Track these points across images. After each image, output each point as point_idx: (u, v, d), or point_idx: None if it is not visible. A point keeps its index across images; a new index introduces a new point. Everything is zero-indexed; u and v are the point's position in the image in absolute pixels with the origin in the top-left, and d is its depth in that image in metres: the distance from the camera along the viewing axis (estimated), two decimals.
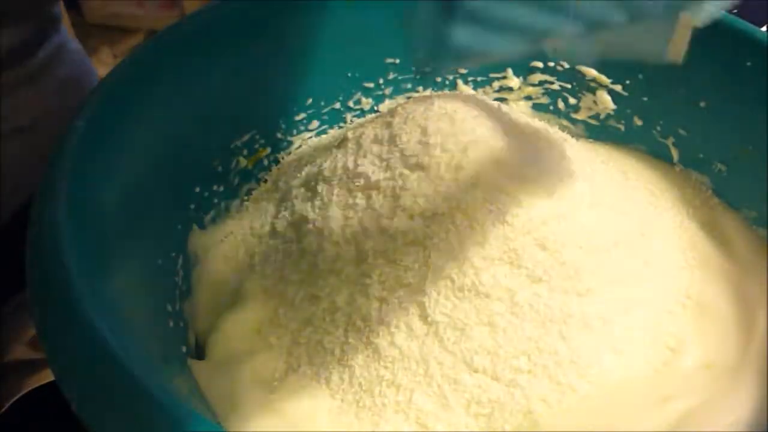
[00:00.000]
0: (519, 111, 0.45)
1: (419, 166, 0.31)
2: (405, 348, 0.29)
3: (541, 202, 0.31)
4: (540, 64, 0.45)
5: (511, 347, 0.29)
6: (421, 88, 0.46)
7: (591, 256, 0.31)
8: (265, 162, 0.42)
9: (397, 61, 0.44)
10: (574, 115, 0.46)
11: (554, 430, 0.29)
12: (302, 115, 0.43)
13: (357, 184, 0.33)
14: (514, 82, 0.46)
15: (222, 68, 0.37)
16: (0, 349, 0.37)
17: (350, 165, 0.34)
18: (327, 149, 0.39)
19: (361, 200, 0.32)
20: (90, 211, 0.26)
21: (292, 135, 0.43)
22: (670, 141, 0.43)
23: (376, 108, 0.45)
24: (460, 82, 0.46)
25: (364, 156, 0.34)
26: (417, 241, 0.30)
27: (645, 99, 0.43)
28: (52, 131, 0.29)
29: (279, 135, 0.42)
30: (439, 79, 0.46)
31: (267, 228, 0.37)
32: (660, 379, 0.31)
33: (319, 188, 0.35)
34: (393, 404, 0.29)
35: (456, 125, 0.32)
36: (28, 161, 0.43)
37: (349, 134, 0.36)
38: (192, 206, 0.36)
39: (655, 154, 0.44)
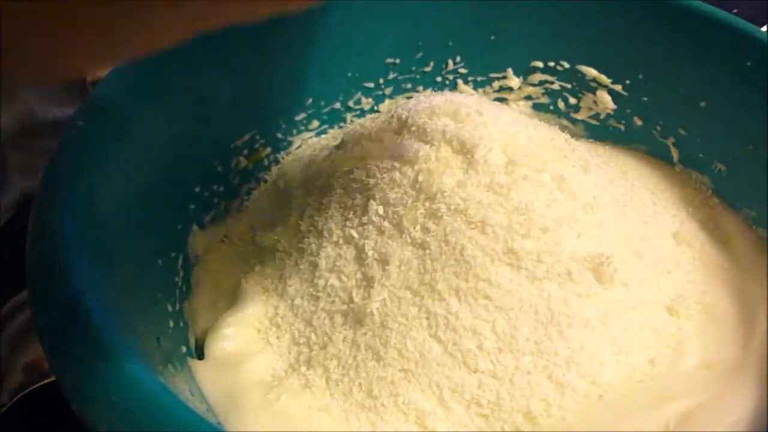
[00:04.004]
0: (519, 111, 0.45)
1: (418, 168, 0.31)
2: (405, 348, 0.29)
3: (541, 204, 0.31)
4: (540, 64, 0.45)
5: (511, 347, 0.29)
6: (421, 88, 0.46)
7: (590, 256, 0.31)
8: (265, 162, 0.42)
9: (397, 61, 0.44)
10: (574, 115, 0.46)
11: (554, 430, 0.29)
12: (302, 115, 0.43)
13: (356, 185, 0.33)
14: (514, 82, 0.46)
15: (222, 68, 0.37)
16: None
17: (350, 165, 0.34)
18: (327, 149, 0.39)
19: (360, 201, 0.32)
20: (90, 210, 0.26)
21: (292, 135, 0.43)
22: (670, 141, 0.43)
23: (376, 108, 0.45)
24: (460, 82, 0.46)
25: (364, 157, 0.34)
26: (416, 243, 0.30)
27: (645, 99, 0.43)
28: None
29: (279, 135, 0.42)
30: (439, 79, 0.46)
31: (267, 228, 0.37)
32: (660, 379, 0.31)
33: (319, 189, 0.35)
34: (393, 404, 0.29)
35: (456, 127, 0.32)
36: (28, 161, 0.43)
37: (349, 135, 0.36)
38: (192, 206, 0.36)
39: (655, 154, 0.44)
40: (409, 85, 0.45)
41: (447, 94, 0.35)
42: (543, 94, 0.46)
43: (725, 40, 0.38)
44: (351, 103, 0.44)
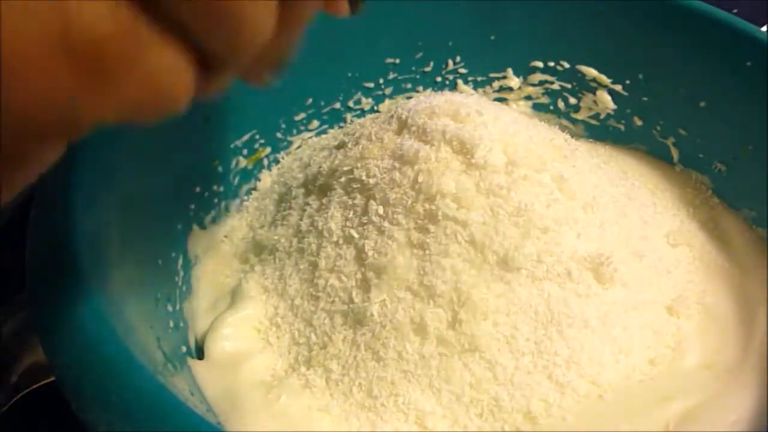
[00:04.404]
0: (519, 111, 0.45)
1: (418, 168, 0.31)
2: (404, 349, 0.29)
3: (541, 204, 0.31)
4: (540, 64, 0.45)
5: (511, 347, 0.29)
6: (421, 88, 0.46)
7: (590, 256, 0.31)
8: (265, 162, 0.42)
9: (397, 61, 0.44)
10: (574, 115, 0.46)
11: (554, 430, 0.29)
12: (302, 115, 0.43)
13: (356, 185, 0.33)
14: (514, 81, 0.46)
15: None
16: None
17: (350, 165, 0.34)
18: (327, 149, 0.39)
19: (360, 201, 0.32)
20: (90, 211, 0.26)
21: (292, 135, 0.43)
22: (670, 141, 0.43)
23: (376, 108, 0.45)
24: (460, 82, 0.46)
25: (364, 157, 0.34)
26: (416, 243, 0.30)
27: (645, 99, 0.43)
28: None
29: (279, 135, 0.42)
30: (439, 79, 0.46)
31: (267, 228, 0.37)
32: (660, 379, 0.31)
33: (319, 189, 0.35)
34: (393, 404, 0.29)
35: (456, 127, 0.32)
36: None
37: (349, 135, 0.36)
38: (192, 206, 0.36)
39: (655, 154, 0.44)
40: (409, 85, 0.45)
41: (447, 94, 0.35)
42: (543, 94, 0.46)
43: (725, 40, 0.38)
44: (351, 103, 0.44)
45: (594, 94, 0.44)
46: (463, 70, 0.46)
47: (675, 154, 0.43)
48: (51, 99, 0.14)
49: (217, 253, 0.37)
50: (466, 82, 0.46)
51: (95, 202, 0.27)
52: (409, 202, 0.31)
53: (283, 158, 0.43)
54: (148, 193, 0.32)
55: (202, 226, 0.37)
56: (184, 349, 0.31)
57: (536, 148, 0.33)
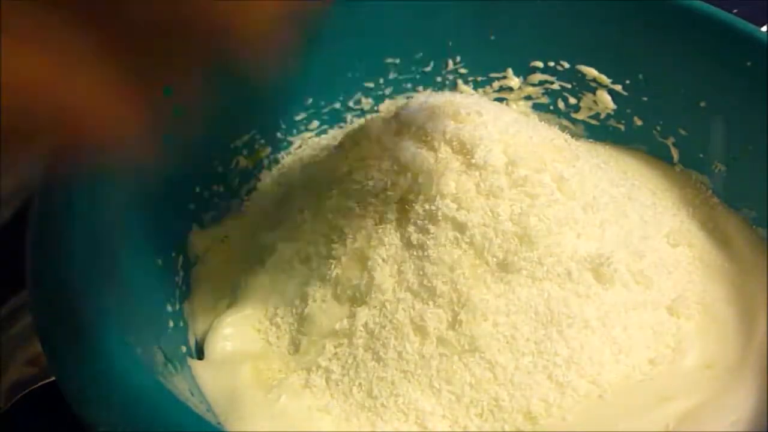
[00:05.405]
0: (519, 111, 0.45)
1: (418, 169, 0.31)
2: (404, 349, 0.29)
3: (541, 205, 0.31)
4: (540, 64, 0.45)
5: (511, 348, 0.29)
6: (421, 88, 0.46)
7: (590, 257, 0.31)
8: (265, 162, 0.42)
9: (397, 61, 0.44)
10: (574, 115, 0.46)
11: (554, 430, 0.29)
12: (302, 115, 0.43)
13: (356, 186, 0.33)
14: (514, 82, 0.46)
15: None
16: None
17: (349, 166, 0.34)
18: (327, 149, 0.39)
19: (359, 201, 0.32)
20: (90, 210, 0.26)
21: (292, 135, 0.43)
22: (670, 141, 0.43)
23: (376, 108, 0.45)
24: (460, 82, 0.46)
25: (363, 158, 0.34)
26: (416, 244, 0.30)
27: (645, 99, 0.43)
28: None
29: (279, 135, 0.42)
30: (439, 79, 0.46)
31: (267, 228, 0.37)
32: (660, 379, 0.31)
33: (318, 189, 0.35)
34: (393, 404, 0.29)
35: (456, 127, 0.32)
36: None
37: (349, 135, 0.36)
38: (192, 206, 0.36)
39: (655, 154, 0.44)
40: (409, 85, 0.45)
41: (447, 94, 0.35)
42: (543, 94, 0.46)
43: (725, 40, 0.38)
44: (351, 103, 0.44)
45: (594, 94, 0.44)
46: (463, 70, 0.46)
47: (675, 154, 0.43)
48: None
49: (217, 253, 0.37)
50: (466, 82, 0.46)
51: (95, 203, 0.27)
52: (409, 203, 0.31)
53: (283, 158, 0.43)
54: (149, 193, 0.32)
55: (202, 226, 0.37)
56: (184, 349, 0.31)
57: (536, 148, 0.32)
